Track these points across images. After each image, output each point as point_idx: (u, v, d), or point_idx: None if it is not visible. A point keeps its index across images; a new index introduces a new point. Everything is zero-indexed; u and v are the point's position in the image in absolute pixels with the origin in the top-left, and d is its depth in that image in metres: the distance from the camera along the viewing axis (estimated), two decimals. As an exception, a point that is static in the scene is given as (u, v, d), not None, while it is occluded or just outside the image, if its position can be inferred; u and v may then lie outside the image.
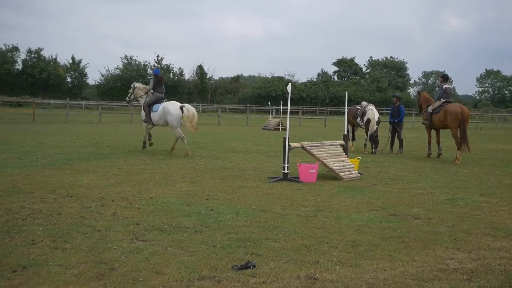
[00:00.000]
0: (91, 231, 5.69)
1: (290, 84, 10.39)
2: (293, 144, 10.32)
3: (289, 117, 11.20)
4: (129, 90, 15.61)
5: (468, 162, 14.24)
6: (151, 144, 14.81)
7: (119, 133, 22.68)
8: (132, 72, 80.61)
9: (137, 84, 15.51)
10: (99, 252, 4.90)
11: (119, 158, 12.76)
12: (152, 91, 14.70)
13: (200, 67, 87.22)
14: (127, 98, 15.82)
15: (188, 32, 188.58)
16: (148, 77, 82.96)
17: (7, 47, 78.47)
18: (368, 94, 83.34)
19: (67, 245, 5.10)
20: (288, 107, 10.63)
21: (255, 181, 9.81)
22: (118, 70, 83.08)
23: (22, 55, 79.51)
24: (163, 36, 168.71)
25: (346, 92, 12.82)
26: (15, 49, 79.04)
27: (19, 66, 78.33)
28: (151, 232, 5.74)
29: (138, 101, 15.45)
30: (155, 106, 14.36)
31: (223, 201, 7.73)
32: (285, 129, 29.62)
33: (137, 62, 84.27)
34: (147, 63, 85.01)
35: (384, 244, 5.54)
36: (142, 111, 14.85)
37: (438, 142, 15.70)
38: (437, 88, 15.63)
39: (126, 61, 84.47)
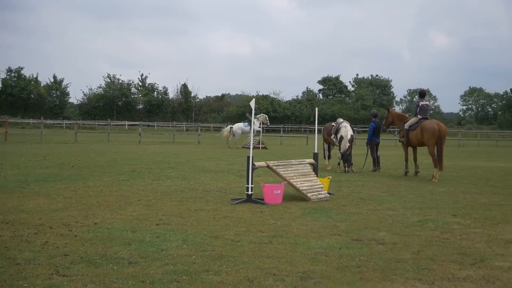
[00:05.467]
0: (8, 265, 5.02)
1: (253, 100, 9.83)
2: (257, 164, 9.73)
3: (252, 135, 10.63)
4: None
5: (446, 180, 13.76)
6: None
7: (91, 153, 21.91)
8: (115, 91, 79.90)
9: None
10: (4, 292, 4.26)
11: (79, 179, 12.07)
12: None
13: (184, 86, 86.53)
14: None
15: (174, 51, 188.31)
16: (132, 96, 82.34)
17: (-14, 67, 77.46)
18: (353, 112, 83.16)
19: (-30, 283, 4.45)
20: (252, 124, 10.04)
21: (216, 203, 9.20)
22: (101, 89, 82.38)
23: (2, 74, 78.44)
24: (148, 55, 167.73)
25: (317, 109, 12.30)
26: (-6, 68, 77.96)
27: (-2, 85, 77.15)
28: (78, 264, 5.09)
29: None
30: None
31: (174, 226, 7.11)
32: (265, 148, 29.25)
33: (120, 81, 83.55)
34: (131, 82, 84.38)
35: (338, 275, 4.95)
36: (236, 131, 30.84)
37: (415, 160, 15.27)
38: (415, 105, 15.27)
39: (109, 80, 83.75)
